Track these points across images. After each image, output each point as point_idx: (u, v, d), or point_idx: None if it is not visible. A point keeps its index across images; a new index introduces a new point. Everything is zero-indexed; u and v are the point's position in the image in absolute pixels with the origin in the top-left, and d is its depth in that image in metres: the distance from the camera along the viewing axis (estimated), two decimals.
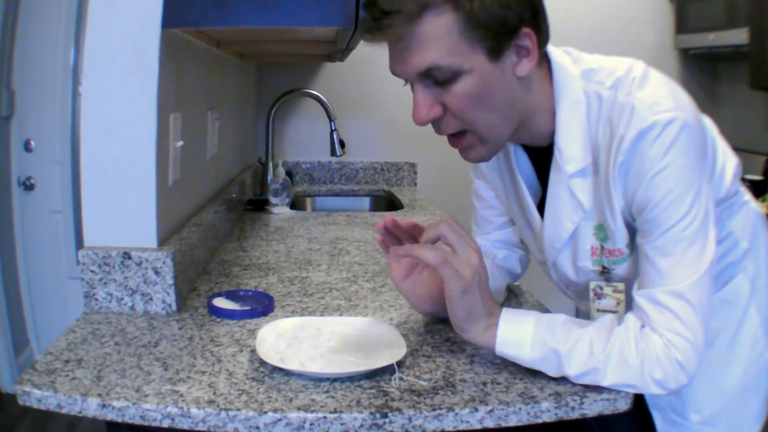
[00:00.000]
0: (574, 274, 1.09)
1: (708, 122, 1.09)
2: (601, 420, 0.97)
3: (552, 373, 0.95)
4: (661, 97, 0.93)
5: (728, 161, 1.10)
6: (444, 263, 0.94)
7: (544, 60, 1.00)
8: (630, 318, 0.94)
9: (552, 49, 1.01)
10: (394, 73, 0.96)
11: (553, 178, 1.04)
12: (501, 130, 0.98)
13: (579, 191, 1.01)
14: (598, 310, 1.06)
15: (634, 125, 0.91)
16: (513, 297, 1.36)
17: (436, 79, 0.92)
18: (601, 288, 1.05)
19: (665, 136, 0.90)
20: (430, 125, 0.98)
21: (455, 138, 0.99)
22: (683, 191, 0.91)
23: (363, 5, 0.92)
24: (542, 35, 0.95)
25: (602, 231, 1.02)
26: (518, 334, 0.96)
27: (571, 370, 0.93)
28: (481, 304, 0.96)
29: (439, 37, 0.89)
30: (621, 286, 1.04)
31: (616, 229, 0.99)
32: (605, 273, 1.04)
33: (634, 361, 0.91)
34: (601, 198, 0.99)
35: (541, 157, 1.07)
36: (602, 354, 0.92)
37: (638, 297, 0.94)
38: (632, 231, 0.99)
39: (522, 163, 1.11)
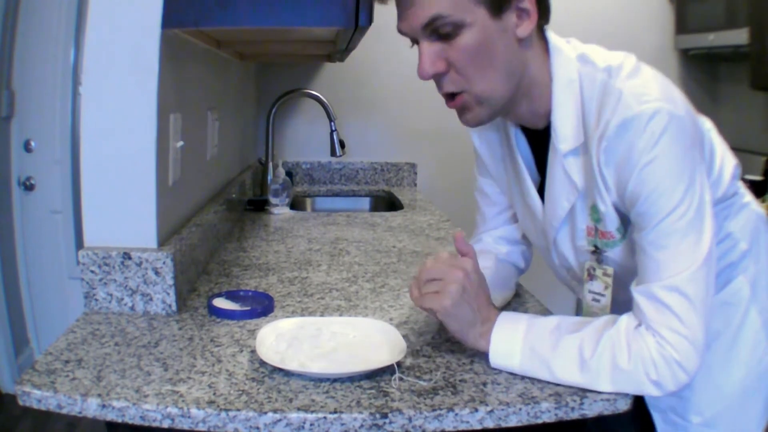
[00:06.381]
0: (573, 254, 1.10)
1: (707, 123, 1.10)
2: (600, 422, 0.97)
3: (548, 379, 0.97)
4: (650, 88, 0.93)
5: (726, 162, 1.11)
6: (420, 304, 1.01)
7: (544, 39, 1.03)
8: (624, 319, 0.94)
9: (552, 34, 1.04)
10: (400, 31, 1.00)
11: (551, 158, 1.06)
12: (499, 92, 1.00)
13: (572, 170, 1.02)
14: (589, 291, 1.08)
15: (620, 113, 0.92)
16: (513, 297, 1.35)
17: (440, 32, 0.95)
18: (593, 269, 1.07)
19: (653, 128, 0.90)
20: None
21: (452, 99, 1.02)
22: (674, 182, 0.91)
23: None
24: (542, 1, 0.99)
25: (596, 212, 1.03)
26: (508, 345, 0.99)
27: (564, 378, 0.95)
28: (475, 314, 1.00)
29: None
30: (610, 270, 1.05)
31: (607, 211, 1.00)
32: (597, 253, 1.05)
33: (627, 365, 0.91)
34: (591, 179, 1.00)
35: (541, 141, 1.08)
36: (592, 360, 0.93)
37: (635, 294, 0.95)
38: (623, 216, 1.00)
39: (522, 146, 1.13)
